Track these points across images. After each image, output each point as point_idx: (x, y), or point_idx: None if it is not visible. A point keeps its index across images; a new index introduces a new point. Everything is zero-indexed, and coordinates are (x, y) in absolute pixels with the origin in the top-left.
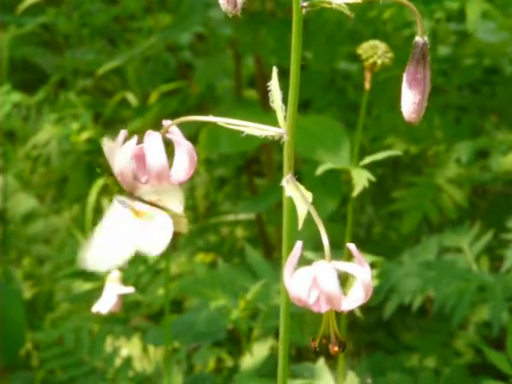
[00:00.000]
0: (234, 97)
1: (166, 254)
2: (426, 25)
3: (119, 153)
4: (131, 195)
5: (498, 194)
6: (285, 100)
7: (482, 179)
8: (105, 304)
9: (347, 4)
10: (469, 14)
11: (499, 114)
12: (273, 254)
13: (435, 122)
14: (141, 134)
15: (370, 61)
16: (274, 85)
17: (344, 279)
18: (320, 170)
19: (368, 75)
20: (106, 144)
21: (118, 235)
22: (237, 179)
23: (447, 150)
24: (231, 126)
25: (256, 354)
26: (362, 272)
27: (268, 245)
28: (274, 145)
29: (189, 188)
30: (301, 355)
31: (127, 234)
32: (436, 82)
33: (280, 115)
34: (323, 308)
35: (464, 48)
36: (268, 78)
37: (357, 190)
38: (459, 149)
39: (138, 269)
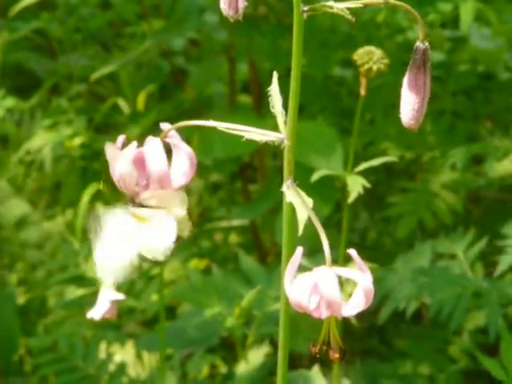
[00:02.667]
0: (227, 102)
1: (160, 260)
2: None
3: (120, 158)
4: (132, 201)
5: (493, 200)
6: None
7: (477, 185)
8: (98, 310)
9: (348, 8)
10: (462, 15)
11: (494, 119)
12: (267, 259)
13: (429, 128)
14: (135, 139)
15: (366, 67)
16: (274, 89)
17: (340, 285)
18: (315, 177)
19: (363, 81)
20: (109, 148)
21: (122, 244)
22: (230, 185)
23: (442, 155)
24: (230, 131)
25: (251, 360)
26: (363, 278)
27: (262, 251)
28: (268, 151)
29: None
30: (294, 362)
31: (131, 242)
32: (430, 87)
33: (280, 120)
34: (324, 314)
35: (459, 54)
36: (262, 83)
37: (352, 197)
38: (454, 155)
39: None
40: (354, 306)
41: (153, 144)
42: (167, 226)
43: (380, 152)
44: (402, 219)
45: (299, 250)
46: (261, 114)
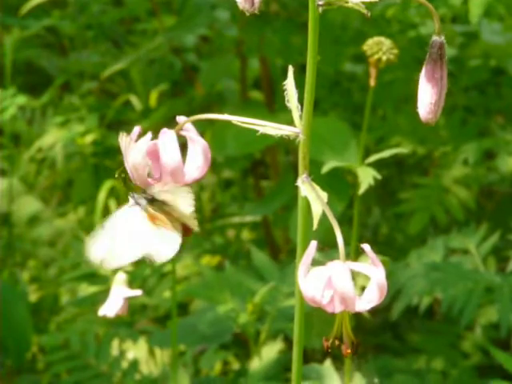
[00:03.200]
0: (239, 98)
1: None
2: (431, 25)
3: (134, 148)
4: (144, 192)
5: (505, 194)
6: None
7: (489, 180)
8: (111, 307)
9: (364, 3)
10: (471, 8)
11: (505, 114)
12: (279, 256)
13: (441, 123)
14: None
15: (375, 57)
16: (289, 84)
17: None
18: (325, 169)
19: (373, 72)
20: (122, 139)
21: (129, 235)
22: (243, 181)
23: (454, 150)
24: (245, 125)
25: (264, 356)
26: (377, 273)
27: (274, 247)
28: (280, 147)
29: (195, 190)
30: (307, 356)
31: (139, 237)
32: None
33: (296, 114)
34: (337, 308)
35: (470, 49)
36: (273, 79)
37: (362, 188)
38: (466, 150)
39: (143, 271)
40: (367, 300)
41: (167, 136)
42: (173, 234)
43: (392, 147)
44: (414, 215)
45: (313, 244)
46: (272, 110)
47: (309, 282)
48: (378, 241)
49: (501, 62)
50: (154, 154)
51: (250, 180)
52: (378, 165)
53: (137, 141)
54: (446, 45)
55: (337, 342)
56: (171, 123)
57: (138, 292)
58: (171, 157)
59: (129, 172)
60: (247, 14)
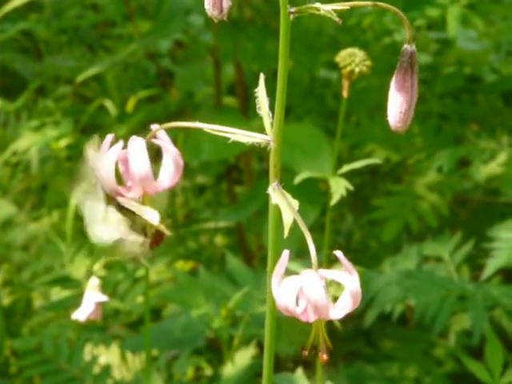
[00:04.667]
0: (213, 104)
1: (145, 262)
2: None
3: (103, 158)
4: (113, 201)
5: (479, 202)
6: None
7: (463, 188)
8: (83, 312)
9: (335, 10)
10: (449, 21)
11: (480, 122)
12: (253, 261)
13: (416, 130)
14: (123, 140)
15: (348, 69)
16: (260, 91)
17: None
18: (298, 179)
19: (346, 83)
20: (89, 150)
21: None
22: (217, 187)
23: (428, 158)
24: (217, 133)
25: (237, 362)
26: (351, 280)
27: (248, 252)
28: (255, 153)
29: (168, 195)
30: (279, 364)
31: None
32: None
33: (267, 122)
34: (311, 318)
35: (445, 56)
36: (248, 85)
37: (335, 199)
38: (440, 157)
39: (116, 276)
40: (341, 308)
41: (136, 144)
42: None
43: (366, 154)
44: (388, 222)
45: (285, 253)
46: (247, 116)
47: (282, 292)
48: (351, 248)
49: (476, 70)
50: (126, 162)
51: (224, 185)
52: (351, 172)
53: (109, 149)
54: (418, 53)
55: (313, 351)
56: (148, 128)
57: (104, 297)
58: (140, 166)
59: (99, 181)
60: (216, 20)
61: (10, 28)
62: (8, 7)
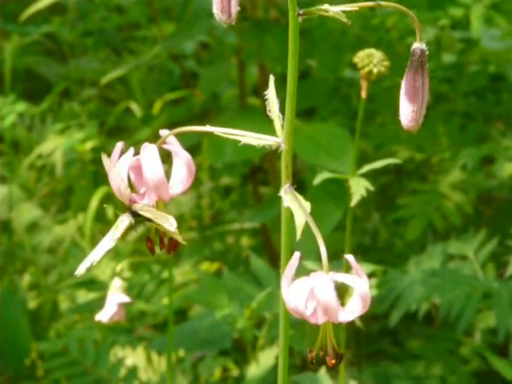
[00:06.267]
0: (238, 105)
1: (169, 264)
2: (431, 32)
3: (114, 169)
4: (129, 209)
5: (504, 200)
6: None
7: (487, 186)
8: (106, 313)
9: (344, 12)
10: (473, 21)
11: (505, 120)
12: (278, 262)
13: (440, 129)
14: (147, 141)
15: (366, 69)
16: (270, 93)
17: (343, 290)
18: (318, 180)
19: (364, 84)
20: (105, 160)
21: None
22: (242, 188)
23: (452, 157)
24: (229, 136)
25: (261, 362)
26: (360, 283)
27: (273, 253)
28: (279, 153)
29: (195, 197)
30: (306, 365)
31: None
32: (441, 89)
33: (277, 124)
34: (320, 319)
35: (469, 55)
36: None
37: (354, 200)
38: (464, 156)
39: (142, 278)
40: (350, 311)
41: (148, 151)
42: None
43: (390, 154)
44: (413, 220)
45: (296, 254)
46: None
47: (292, 294)
48: (377, 247)
49: (500, 68)
50: (137, 170)
51: (249, 186)
52: (376, 171)
53: (120, 157)
54: (441, 52)
55: (321, 353)
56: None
57: (126, 298)
58: (154, 172)
59: (113, 190)
60: (224, 25)
61: (34, 31)
62: (31, 10)
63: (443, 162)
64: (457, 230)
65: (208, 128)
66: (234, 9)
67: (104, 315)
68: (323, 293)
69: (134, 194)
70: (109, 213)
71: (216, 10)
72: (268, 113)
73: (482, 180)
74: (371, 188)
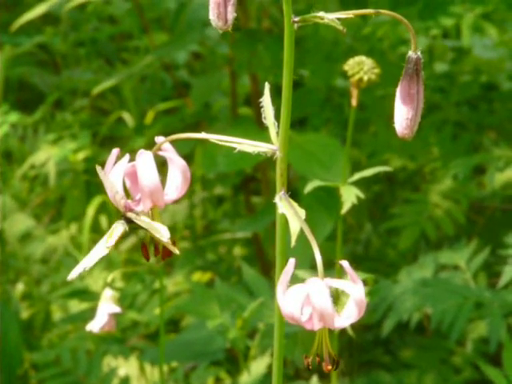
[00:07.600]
0: (229, 115)
1: (161, 274)
2: (423, 41)
3: (109, 175)
4: (124, 216)
5: (496, 210)
6: (279, 117)
7: (479, 195)
8: (97, 323)
9: (339, 19)
10: (464, 30)
11: (497, 130)
12: (270, 272)
13: (432, 139)
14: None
15: (356, 77)
16: (266, 101)
17: (335, 298)
18: (309, 188)
19: (355, 92)
20: (99, 170)
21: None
22: (234, 198)
23: (444, 166)
24: (224, 143)
25: (253, 372)
26: (356, 289)
27: (265, 263)
28: (271, 163)
29: (187, 207)
30: (299, 375)
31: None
32: (433, 98)
33: (273, 131)
34: (316, 326)
35: (461, 64)
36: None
37: (345, 207)
38: (456, 165)
39: (134, 288)
40: (346, 317)
41: (144, 158)
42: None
43: (383, 162)
44: (405, 230)
45: (291, 261)
46: (262, 126)
47: (287, 300)
48: (369, 256)
49: (492, 77)
50: (132, 176)
51: (242, 196)
52: (369, 180)
53: (115, 164)
54: (423, 60)
55: (317, 359)
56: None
57: (117, 308)
58: (149, 179)
59: (109, 197)
60: (220, 31)
61: (27, 41)
62: (23, 19)
63: (435, 171)
64: (449, 240)
65: (203, 135)
66: (231, 15)
67: (95, 325)
68: (319, 298)
69: (129, 200)
70: (103, 223)
71: (212, 16)
72: (263, 120)
73: (474, 189)
74: (362, 196)
